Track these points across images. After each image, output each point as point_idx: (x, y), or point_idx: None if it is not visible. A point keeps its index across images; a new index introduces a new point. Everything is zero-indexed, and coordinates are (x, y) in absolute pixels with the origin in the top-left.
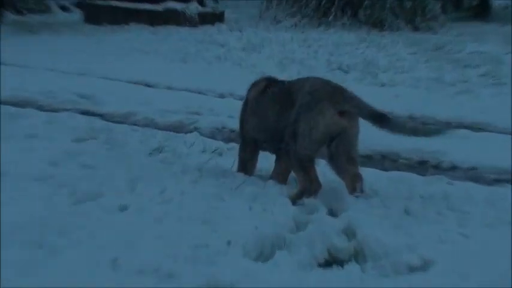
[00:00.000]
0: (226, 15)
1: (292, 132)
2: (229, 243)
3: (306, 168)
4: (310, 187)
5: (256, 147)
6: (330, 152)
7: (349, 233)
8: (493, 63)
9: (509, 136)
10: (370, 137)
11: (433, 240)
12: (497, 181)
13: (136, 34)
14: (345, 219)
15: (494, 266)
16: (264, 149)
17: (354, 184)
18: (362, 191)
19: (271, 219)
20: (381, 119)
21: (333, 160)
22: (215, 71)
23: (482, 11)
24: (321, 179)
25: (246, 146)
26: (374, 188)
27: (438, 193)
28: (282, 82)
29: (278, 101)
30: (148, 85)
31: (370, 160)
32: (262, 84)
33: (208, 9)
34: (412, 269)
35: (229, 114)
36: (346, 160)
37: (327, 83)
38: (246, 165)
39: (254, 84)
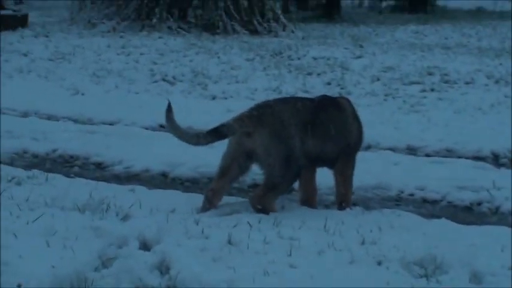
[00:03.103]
0: (30, 18)
1: None
2: (19, 286)
3: None
4: None
5: None
6: None
7: (163, 268)
8: (339, 70)
9: None
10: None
11: (257, 272)
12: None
13: None
14: (159, 253)
15: None
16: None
17: None
18: None
19: (71, 257)
20: None
21: None
22: (16, 85)
23: (330, 11)
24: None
25: None
26: (195, 215)
27: (266, 218)
28: None
29: None
30: None
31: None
32: None
33: (8, 12)
34: None
35: (33, 136)
36: None
37: None
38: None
39: None
